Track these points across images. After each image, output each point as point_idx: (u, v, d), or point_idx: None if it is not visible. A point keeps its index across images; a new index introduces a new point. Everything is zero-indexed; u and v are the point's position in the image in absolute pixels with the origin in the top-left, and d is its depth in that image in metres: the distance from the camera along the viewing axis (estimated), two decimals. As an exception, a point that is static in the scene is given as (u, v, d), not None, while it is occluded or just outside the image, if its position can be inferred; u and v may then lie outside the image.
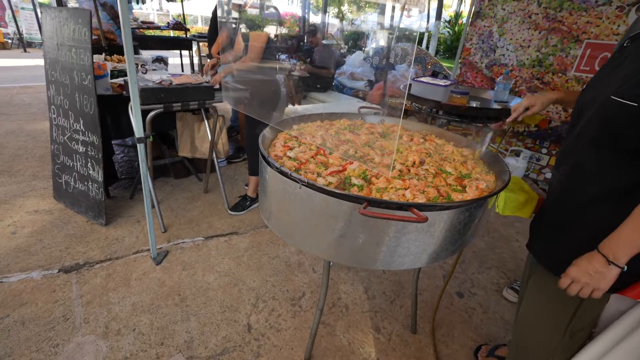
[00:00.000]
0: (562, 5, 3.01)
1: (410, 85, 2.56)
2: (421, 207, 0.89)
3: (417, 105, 2.58)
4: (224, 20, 2.31)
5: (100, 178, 2.20)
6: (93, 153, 2.18)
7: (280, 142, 1.33)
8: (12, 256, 1.98)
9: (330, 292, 1.92)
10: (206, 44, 5.65)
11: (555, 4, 3.05)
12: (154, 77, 2.14)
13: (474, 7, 3.65)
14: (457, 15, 14.44)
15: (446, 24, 13.66)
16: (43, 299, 1.71)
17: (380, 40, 12.73)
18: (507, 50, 3.44)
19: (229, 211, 2.60)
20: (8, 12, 11.94)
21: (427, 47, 10.54)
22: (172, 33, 6.67)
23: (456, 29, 13.15)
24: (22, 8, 12.35)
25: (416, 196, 1.00)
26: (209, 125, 2.49)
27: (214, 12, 3.41)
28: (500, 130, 3.53)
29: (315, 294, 1.91)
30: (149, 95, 1.92)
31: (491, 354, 1.60)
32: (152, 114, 2.00)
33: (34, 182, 2.79)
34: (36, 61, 9.00)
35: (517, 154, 3.35)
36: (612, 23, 2.78)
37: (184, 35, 5.19)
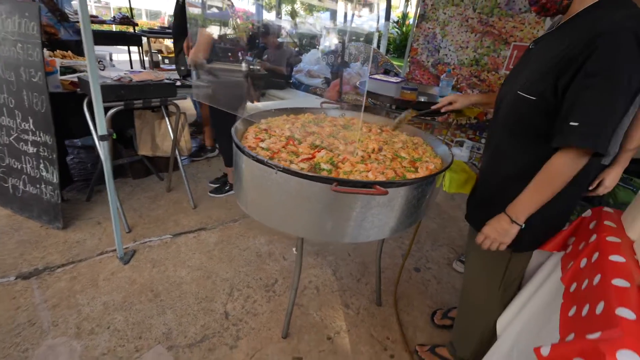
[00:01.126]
0: (492, 11, 3.41)
1: (365, 81, 2.75)
2: (382, 184, 1.05)
3: (372, 100, 2.78)
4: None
5: (55, 180, 2.10)
6: (46, 154, 2.08)
7: (251, 135, 1.42)
8: (-43, 267, 1.84)
9: (302, 277, 2.04)
10: (157, 39, 5.42)
11: (487, 10, 3.44)
12: (112, 74, 2.09)
13: (419, 10, 3.97)
14: (405, 16, 15.21)
15: (394, 24, 14.34)
16: (2, 306, 1.63)
17: (333, 39, 13.01)
18: (449, 50, 3.80)
19: (210, 193, 2.84)
20: None
21: (379, 47, 11.01)
22: (114, 27, 6.29)
23: (404, 29, 13.87)
24: None
25: (377, 177, 1.16)
26: (170, 123, 2.48)
27: (181, 8, 3.37)
28: (446, 123, 3.90)
29: (287, 279, 2.02)
30: (108, 92, 1.89)
31: (445, 316, 1.84)
32: (112, 111, 1.96)
33: (-29, 189, 2.56)
34: None
35: (460, 144, 3.73)
36: (533, 28, 3.22)
37: (132, 31, 4.95)
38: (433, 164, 1.31)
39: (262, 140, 1.36)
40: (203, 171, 3.30)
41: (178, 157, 2.58)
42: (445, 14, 3.75)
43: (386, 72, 4.87)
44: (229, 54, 2.52)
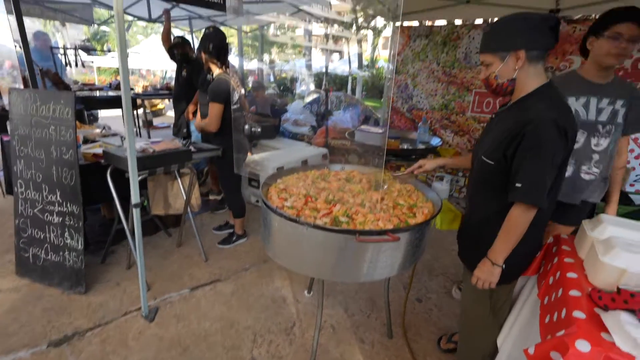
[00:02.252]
0: (453, 64, 3.98)
1: (354, 132, 3.13)
2: (392, 231, 1.32)
3: (359, 148, 3.15)
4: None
5: (80, 246, 2.25)
6: (72, 222, 2.25)
7: (275, 195, 1.69)
8: (-12, 340, 1.91)
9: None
10: (152, 101, 5.76)
11: (449, 64, 4.02)
12: (136, 145, 2.33)
13: (392, 65, 4.53)
14: (374, 60, 16.55)
15: (366, 68, 15.55)
16: (41, 374, 1.72)
17: (310, 84, 13.88)
18: (421, 97, 4.32)
19: (218, 245, 2.97)
20: None
21: (354, 91, 11.89)
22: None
23: (374, 71, 15.06)
24: None
25: (386, 225, 1.44)
26: (182, 183, 2.71)
27: (185, 79, 3.78)
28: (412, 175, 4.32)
29: (304, 321, 2.19)
30: (137, 163, 2.12)
31: (449, 340, 2.05)
32: (137, 179, 2.19)
33: (-15, 261, 2.63)
34: None
35: (441, 178, 4.12)
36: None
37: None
38: (427, 208, 1.61)
39: (286, 200, 1.63)
40: (207, 223, 3.48)
41: (190, 213, 2.78)
42: (414, 67, 4.31)
43: (367, 119, 5.38)
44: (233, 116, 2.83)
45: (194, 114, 3.78)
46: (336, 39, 15.40)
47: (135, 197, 1.91)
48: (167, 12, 4.04)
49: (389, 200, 1.69)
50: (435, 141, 3.09)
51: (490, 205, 1.34)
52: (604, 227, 1.13)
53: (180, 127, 4.11)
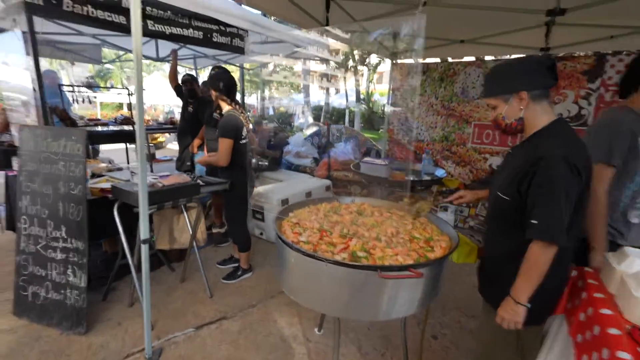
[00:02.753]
0: (451, 99, 4.13)
1: (359, 164, 3.17)
2: (413, 266, 1.30)
3: (364, 180, 3.17)
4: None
5: (83, 284, 2.18)
6: (76, 259, 2.19)
7: (289, 230, 1.67)
8: (-20, 389, 1.79)
9: (329, 357, 2.12)
10: (155, 134, 5.87)
11: (447, 98, 4.16)
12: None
13: (391, 99, 4.69)
14: (369, 94, 17.13)
15: (362, 101, 16.07)
16: None
17: (308, 117, 14.22)
18: (421, 130, 4.43)
19: (222, 280, 2.90)
20: None
21: (352, 123, 12.21)
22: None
23: (371, 105, 15.55)
24: None
25: (405, 260, 1.42)
26: (188, 217, 2.68)
27: (191, 114, 3.88)
28: (430, 192, 4.34)
29: (315, 361, 2.09)
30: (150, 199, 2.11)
31: (470, 381, 1.94)
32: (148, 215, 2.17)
33: (-20, 301, 2.52)
34: None
35: (445, 209, 4.13)
36: (486, 110, 3.91)
37: (132, 128, 5.41)
38: (443, 242, 1.60)
39: (300, 234, 1.61)
40: (211, 257, 3.40)
41: (195, 248, 2.73)
42: (412, 102, 4.46)
43: (368, 152, 5.48)
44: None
45: (199, 147, 3.83)
46: (332, 75, 16.05)
47: (145, 232, 1.88)
48: (174, 52, 4.22)
49: (405, 234, 1.68)
50: (440, 172, 3.13)
51: (509, 241, 1.31)
52: (631, 260, 1.12)
53: (183, 161, 4.14)
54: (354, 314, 1.45)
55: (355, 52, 12.86)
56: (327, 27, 3.17)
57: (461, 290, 2.95)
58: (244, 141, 2.68)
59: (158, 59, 5.30)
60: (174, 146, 11.13)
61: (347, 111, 13.64)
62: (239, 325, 2.40)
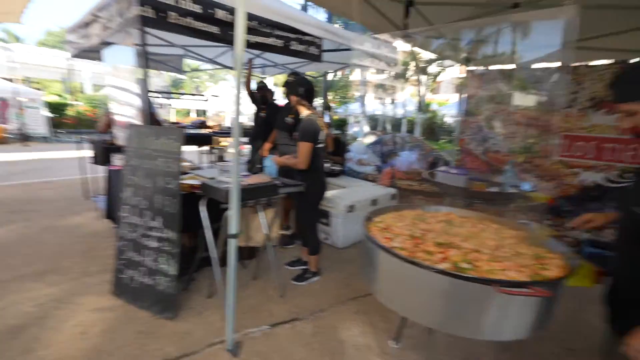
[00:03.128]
0: (535, 107, 3.80)
1: (434, 173, 3.04)
2: (534, 283, 1.18)
3: (440, 189, 3.02)
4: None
5: (173, 272, 2.35)
6: (168, 248, 2.37)
7: (378, 234, 1.63)
8: (92, 358, 1.99)
9: (407, 372, 2.01)
10: (223, 138, 6.31)
11: (530, 107, 3.85)
12: (227, 179, 2.46)
13: (462, 107, 4.47)
14: (427, 104, 16.62)
15: (421, 111, 15.63)
16: (138, 401, 1.72)
17: (364, 126, 14.17)
18: (498, 140, 4.14)
19: (292, 281, 2.95)
20: (11, 109, 12.81)
21: (411, 133, 11.93)
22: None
23: (429, 114, 15.04)
24: (28, 107, 13.34)
25: (518, 275, 1.29)
26: (265, 217, 2.77)
27: (263, 119, 4.07)
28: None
29: (392, 375, 2.00)
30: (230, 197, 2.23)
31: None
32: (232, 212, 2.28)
33: (85, 279, 2.85)
34: (37, 154, 9.37)
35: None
36: (578, 120, 3.53)
37: (206, 132, 5.85)
38: (557, 260, 1.44)
39: (391, 239, 1.57)
40: (279, 258, 3.47)
41: (270, 246, 2.81)
42: (487, 110, 4.19)
43: (435, 160, 5.27)
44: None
45: (270, 151, 3.99)
46: (390, 85, 15.87)
47: (234, 228, 1.97)
48: (250, 61, 4.47)
49: (508, 247, 1.55)
50: (527, 186, 2.87)
51: None
52: None
53: (254, 163, 4.34)
54: (453, 328, 1.36)
55: (416, 60, 12.59)
56: (397, 32, 3.12)
57: (559, 316, 2.64)
58: (320, 145, 2.71)
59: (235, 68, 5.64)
60: (232, 150, 11.76)
61: (404, 120, 13.35)
62: (311, 328, 2.40)
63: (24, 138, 12.14)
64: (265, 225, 2.79)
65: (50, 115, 13.87)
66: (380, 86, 16.39)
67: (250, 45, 3.28)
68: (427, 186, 5.02)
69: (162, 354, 2.06)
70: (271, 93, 4.43)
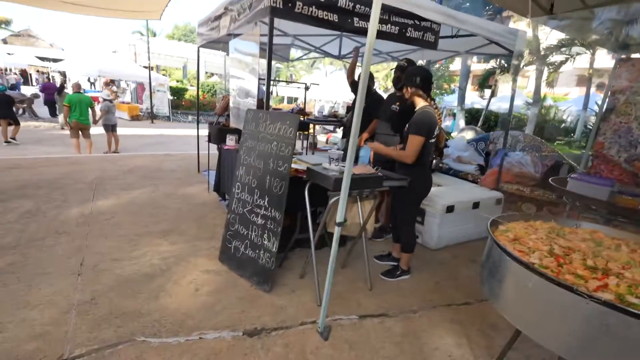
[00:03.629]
0: None
1: (565, 180, 2.57)
2: None
3: (569, 199, 2.55)
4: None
5: (274, 249, 2.49)
6: (272, 226, 2.52)
7: (509, 245, 1.42)
8: (202, 313, 2.26)
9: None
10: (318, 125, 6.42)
11: None
12: (333, 166, 2.48)
13: (606, 104, 3.68)
14: (541, 98, 14.37)
15: (529, 105, 13.63)
16: (240, 362, 1.88)
17: (460, 120, 13.03)
18: (651, 146, 3.31)
19: (381, 276, 2.90)
20: (146, 92, 15.43)
21: (518, 129, 10.54)
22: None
23: (543, 111, 12.98)
24: (158, 90, 15.84)
25: None
26: (362, 207, 2.73)
27: (366, 105, 4.03)
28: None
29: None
30: (337, 185, 2.23)
31: None
32: (333, 199, 2.29)
33: (198, 243, 3.24)
34: (161, 130, 11.03)
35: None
36: None
37: (303, 119, 6.10)
38: None
39: (527, 254, 1.35)
40: (368, 250, 3.43)
41: (364, 238, 2.77)
42: (643, 108, 3.37)
43: (557, 165, 4.52)
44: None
45: (366, 141, 3.91)
46: (499, 75, 14.12)
47: (341, 216, 1.97)
48: (357, 49, 4.39)
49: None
50: None
51: None
52: None
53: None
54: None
55: (541, 46, 10.85)
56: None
57: None
58: (433, 140, 2.52)
59: (339, 57, 5.69)
60: (321, 137, 12.11)
61: (510, 117, 11.81)
62: (401, 327, 2.30)
63: (152, 116, 14.55)
64: (362, 216, 2.75)
65: (171, 97, 16.38)
66: (485, 77, 14.75)
67: (365, 32, 3.21)
68: (541, 193, 4.35)
69: (260, 323, 2.21)
70: (372, 82, 4.31)
